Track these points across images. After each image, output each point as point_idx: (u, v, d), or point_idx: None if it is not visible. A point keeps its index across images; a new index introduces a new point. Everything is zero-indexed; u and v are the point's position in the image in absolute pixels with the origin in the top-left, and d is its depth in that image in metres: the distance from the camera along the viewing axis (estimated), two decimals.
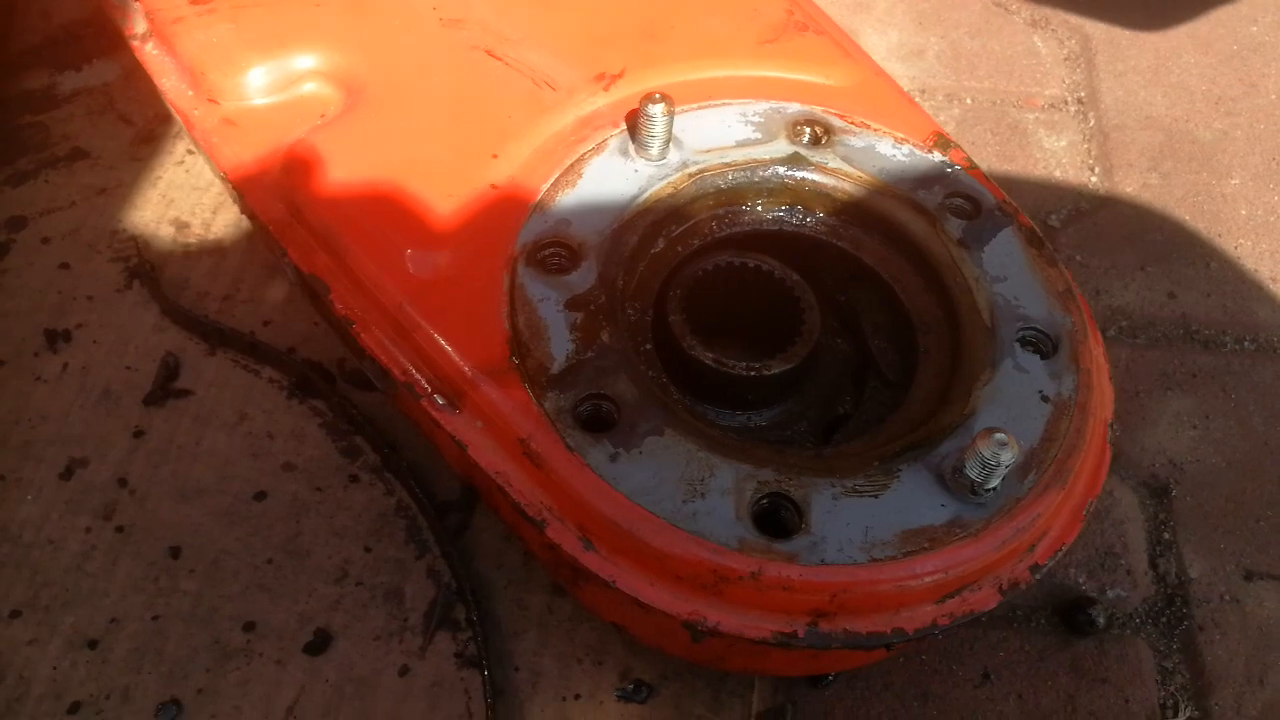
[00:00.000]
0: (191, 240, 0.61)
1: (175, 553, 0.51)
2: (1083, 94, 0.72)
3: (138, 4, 0.55)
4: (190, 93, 0.53)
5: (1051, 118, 0.71)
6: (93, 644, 0.48)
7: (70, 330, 0.57)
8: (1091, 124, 0.71)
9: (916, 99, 0.71)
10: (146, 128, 0.66)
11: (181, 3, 0.54)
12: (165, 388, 0.56)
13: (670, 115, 0.49)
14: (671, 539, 0.38)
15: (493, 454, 0.42)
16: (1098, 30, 0.76)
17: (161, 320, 0.58)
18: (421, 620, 0.50)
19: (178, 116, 0.53)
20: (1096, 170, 0.69)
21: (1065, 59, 0.74)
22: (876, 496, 0.40)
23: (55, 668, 0.47)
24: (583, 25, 0.55)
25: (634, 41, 0.55)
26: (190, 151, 0.65)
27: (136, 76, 0.68)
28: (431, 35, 0.54)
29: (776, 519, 0.39)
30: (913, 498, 0.40)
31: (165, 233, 0.61)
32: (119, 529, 0.51)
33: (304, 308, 0.58)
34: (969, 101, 0.72)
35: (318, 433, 0.55)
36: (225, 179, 0.51)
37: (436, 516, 0.52)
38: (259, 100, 0.52)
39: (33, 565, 0.50)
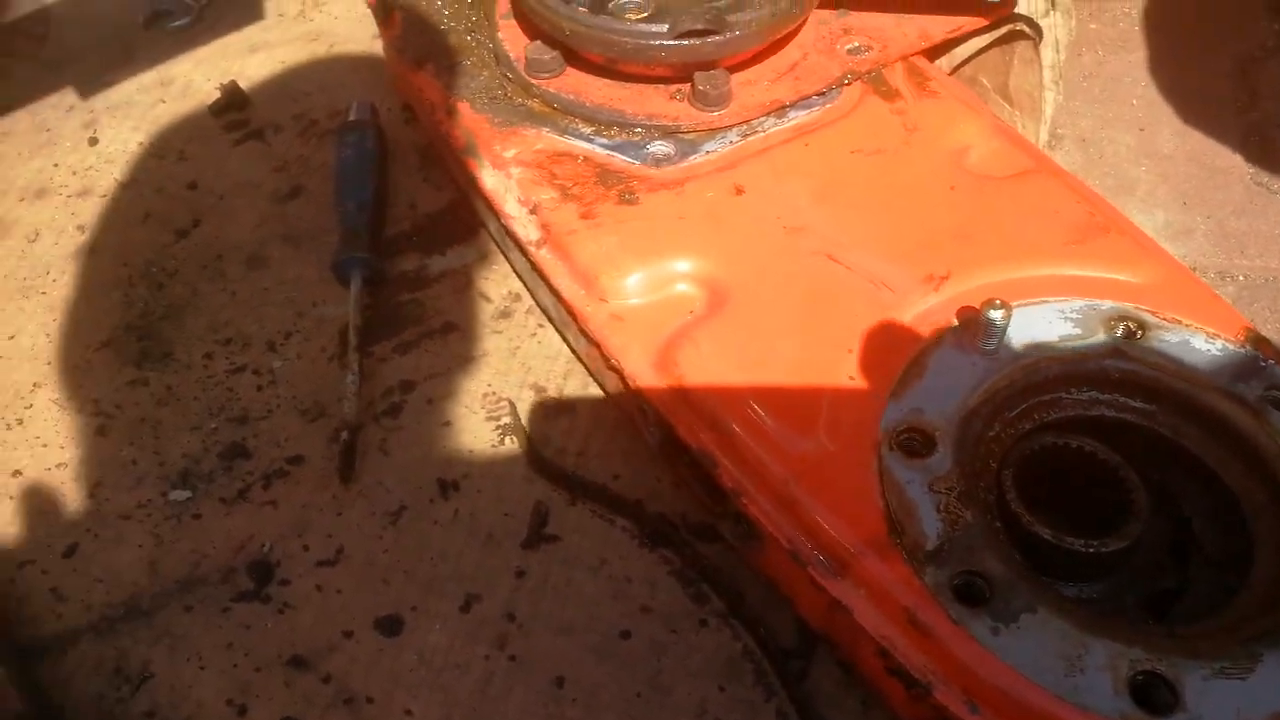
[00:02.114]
0: (548, 402, 0.71)
1: (559, 682, 0.59)
2: None
3: (534, 217, 0.67)
4: (583, 292, 0.63)
5: None
6: None
7: (458, 480, 0.68)
8: None
9: None
10: (502, 304, 0.77)
11: (574, 218, 0.65)
12: (538, 533, 0.65)
13: (1008, 319, 0.56)
14: (1060, 710, 0.44)
15: (877, 620, 0.48)
16: None
17: (529, 472, 0.68)
18: None
19: (568, 312, 0.64)
20: None
21: None
22: (1244, 679, 0.44)
23: None
24: (907, 232, 0.64)
25: (954, 245, 0.63)
26: (541, 325, 0.76)
27: (491, 259, 0.80)
28: (778, 242, 0.64)
29: (1151, 697, 0.44)
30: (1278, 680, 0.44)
31: (526, 395, 0.72)
32: (511, 658, 0.60)
33: (648, 464, 0.67)
34: (1241, 279, 0.76)
35: (668, 579, 0.63)
36: (610, 364, 0.61)
37: (781, 661, 0.59)
38: (639, 299, 0.62)
39: (444, 688, 0.59)
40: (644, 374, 0.59)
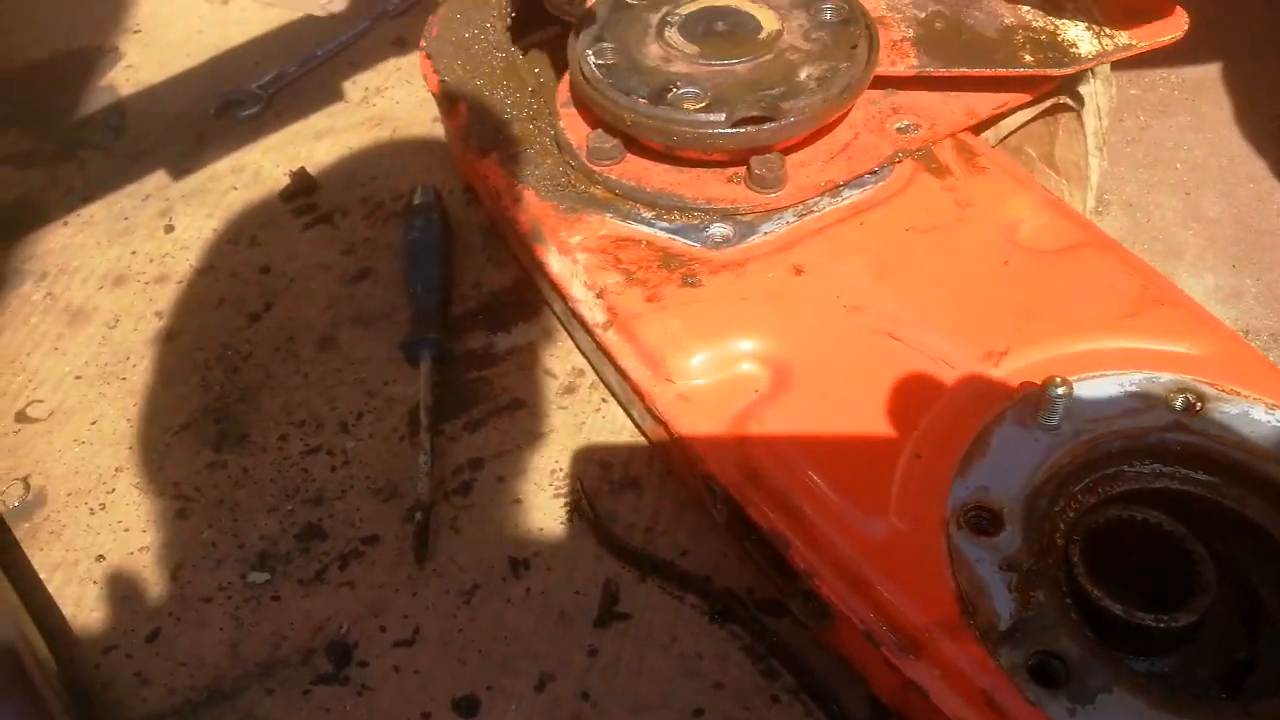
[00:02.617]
0: (614, 478, 0.73)
1: None
2: None
3: (600, 300, 0.69)
4: (649, 373, 0.65)
5: None
6: None
7: (529, 558, 0.69)
8: None
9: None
10: (567, 380, 0.80)
11: (639, 301, 0.68)
12: (609, 611, 0.66)
13: (1069, 395, 0.57)
14: None
15: (954, 702, 0.49)
16: None
17: (599, 550, 0.69)
18: None
19: (635, 392, 0.66)
20: None
21: None
22: None
23: None
24: (965, 308, 0.65)
25: (1012, 321, 0.64)
26: (605, 400, 0.78)
27: (555, 336, 0.83)
28: (839, 321, 0.65)
29: None
30: None
31: (592, 471, 0.74)
32: None
33: (714, 539, 0.69)
34: None
35: (738, 655, 0.64)
36: (677, 443, 0.63)
37: None
38: (704, 380, 0.64)
39: None
40: (712, 454, 0.61)
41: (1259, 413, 0.58)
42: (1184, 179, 0.89)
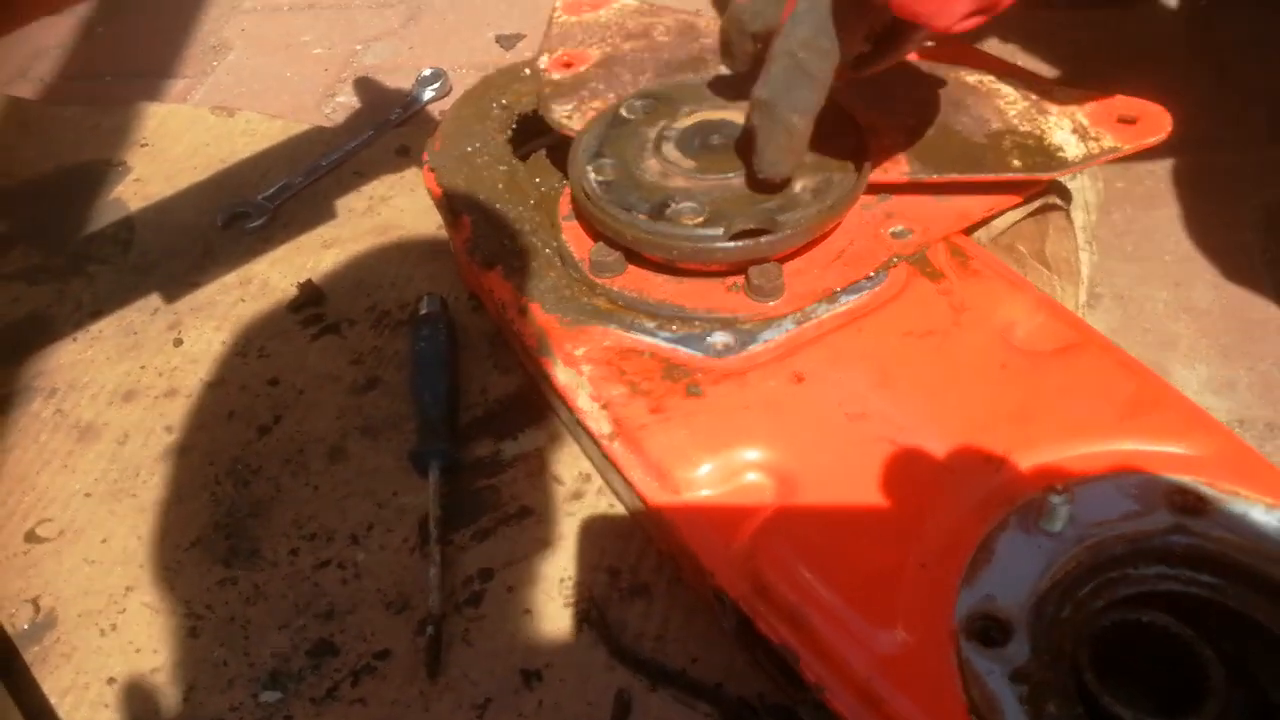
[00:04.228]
0: (623, 585, 0.74)
1: None
2: None
3: (605, 412, 0.70)
4: (656, 484, 0.66)
5: None
6: None
7: (540, 670, 0.69)
8: None
9: (1236, 430, 0.78)
10: (574, 486, 0.80)
11: (644, 413, 0.69)
12: None
13: (1070, 501, 0.58)
14: None
15: None
16: None
17: (609, 659, 0.70)
18: None
19: (643, 502, 0.67)
20: None
21: None
22: None
23: None
24: (964, 414, 0.66)
25: (1011, 426, 0.65)
26: (612, 505, 0.78)
27: (561, 441, 0.84)
28: (841, 429, 0.67)
29: None
30: None
31: (601, 579, 0.74)
32: None
33: (724, 646, 0.69)
34: None
35: None
36: (686, 554, 0.64)
37: None
38: (710, 491, 0.65)
39: None
40: (720, 567, 0.61)
41: (1259, 513, 0.59)
42: (1173, 270, 0.92)
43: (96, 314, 1.02)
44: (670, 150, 0.81)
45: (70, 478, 0.86)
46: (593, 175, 0.80)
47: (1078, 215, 0.86)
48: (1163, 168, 1.01)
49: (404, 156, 1.19)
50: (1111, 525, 0.59)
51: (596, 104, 0.91)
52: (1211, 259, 0.92)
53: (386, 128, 1.24)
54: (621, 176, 0.80)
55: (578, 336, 0.76)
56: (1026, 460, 0.63)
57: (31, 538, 0.82)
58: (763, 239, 0.74)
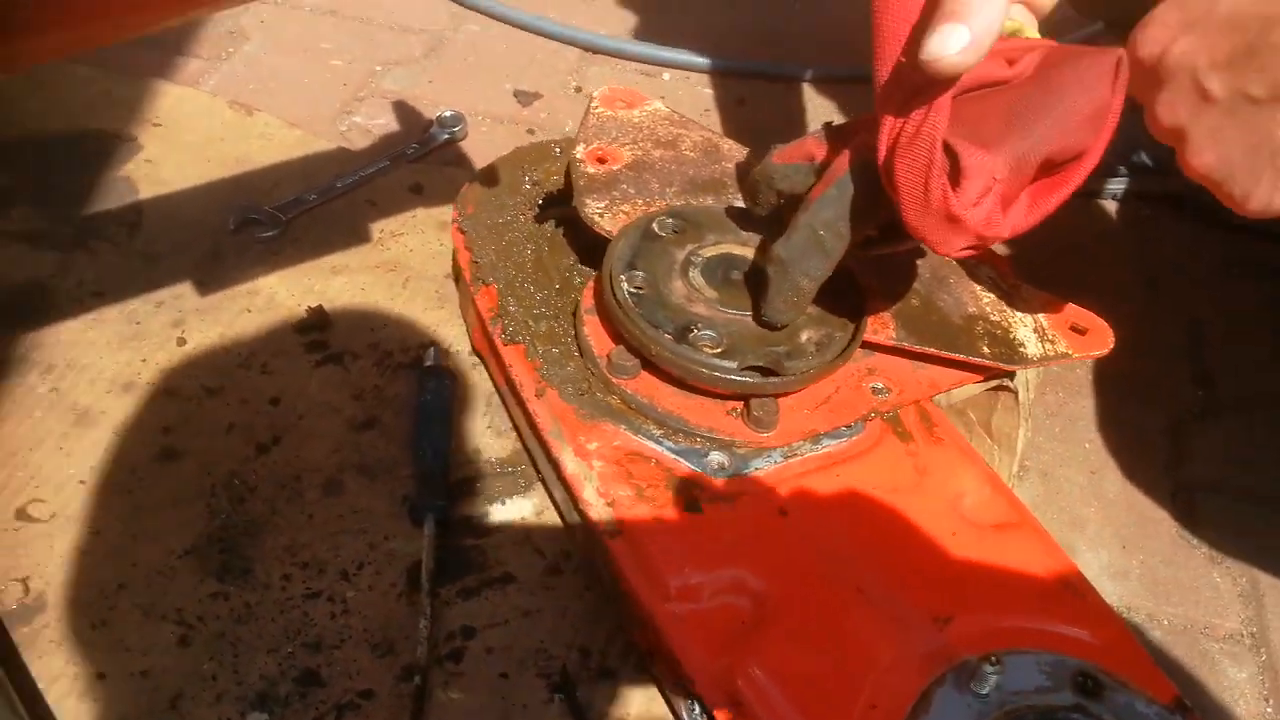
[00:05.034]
0: (593, 666, 0.81)
1: None
2: (1255, 629, 0.92)
3: (610, 509, 0.78)
4: (649, 586, 0.75)
5: (1232, 649, 0.90)
6: None
7: None
8: (1264, 659, 0.90)
9: (1124, 615, 0.91)
10: (554, 561, 0.88)
11: (647, 518, 0.77)
12: None
13: (1000, 672, 0.69)
14: None
15: None
16: (1264, 576, 0.96)
17: None
18: None
19: (633, 602, 0.75)
20: (1271, 703, 0.87)
21: (1239, 595, 0.94)
22: None
23: None
24: (918, 572, 0.77)
25: (956, 589, 0.76)
26: (588, 588, 0.86)
27: (546, 514, 0.91)
28: (814, 567, 0.76)
29: None
30: None
31: (574, 656, 0.82)
32: None
33: None
34: (1166, 623, 0.92)
35: None
36: (669, 656, 0.72)
37: None
38: (696, 605, 0.74)
39: None
40: (700, 674, 0.70)
41: (1141, 704, 0.71)
42: (1090, 458, 1.05)
43: (99, 295, 1.04)
44: (696, 277, 0.90)
45: (65, 461, 0.89)
46: (626, 285, 0.88)
47: (1020, 394, 0.99)
48: (1093, 362, 1.15)
49: (417, 194, 1.24)
50: (1027, 696, 0.70)
51: (626, 207, 0.99)
52: (1121, 455, 1.06)
53: (401, 160, 1.29)
54: (651, 292, 0.88)
55: (591, 431, 0.84)
56: (965, 624, 0.74)
57: (22, 515, 0.84)
58: (770, 379, 0.84)
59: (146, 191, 1.16)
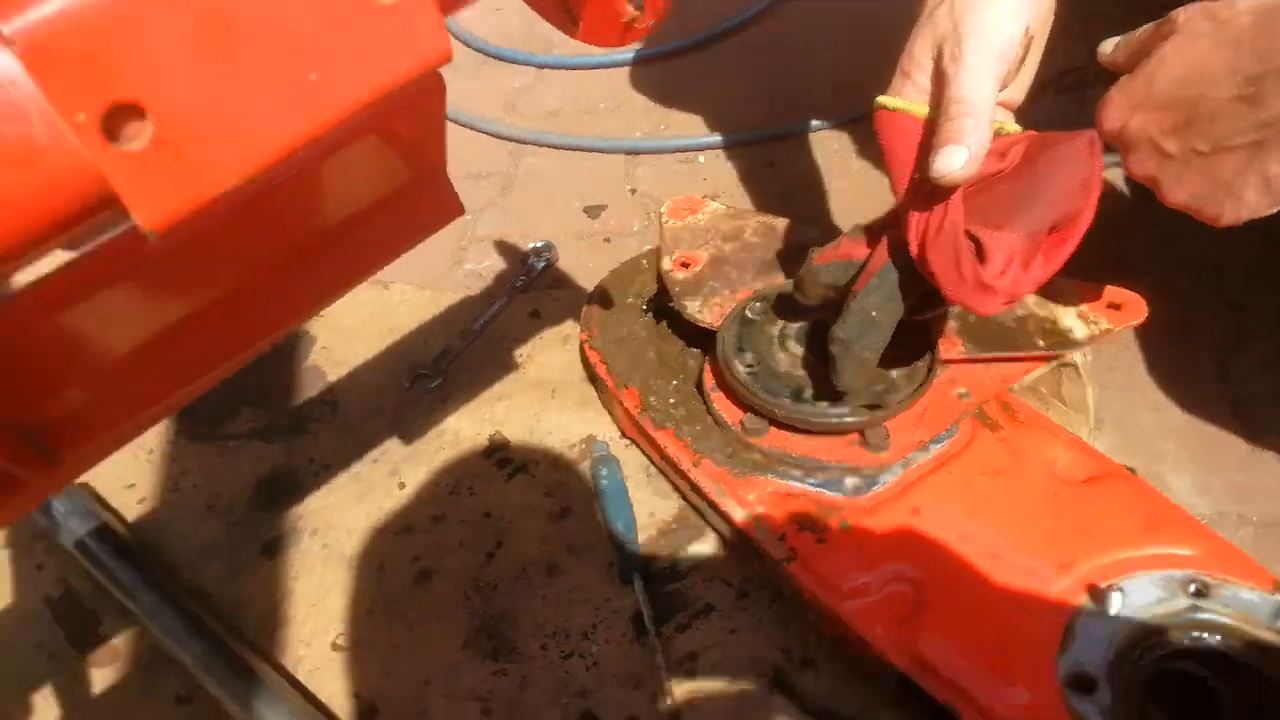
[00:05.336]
0: (795, 661, 1.02)
1: None
2: None
3: (781, 542, 1.00)
4: (829, 593, 0.96)
5: None
6: None
7: None
8: None
9: (1216, 523, 1.09)
10: (740, 587, 1.09)
11: (811, 541, 0.98)
12: None
13: (1120, 593, 0.88)
14: None
15: None
16: None
17: (800, 714, 0.98)
18: None
19: (816, 603, 0.96)
20: None
21: None
22: None
23: None
24: (1037, 533, 0.96)
25: (1070, 540, 0.95)
26: (773, 601, 1.07)
27: (721, 555, 1.13)
28: (955, 548, 0.96)
29: None
30: None
31: (778, 656, 1.03)
32: None
33: (885, 702, 0.97)
34: (1255, 519, 1.10)
35: None
36: (859, 640, 0.93)
37: None
38: (869, 597, 0.95)
39: None
40: (890, 649, 0.91)
41: (1245, 593, 0.90)
42: (1151, 398, 1.24)
43: (327, 466, 1.29)
44: (793, 345, 1.12)
45: (352, 599, 1.13)
46: (740, 368, 1.10)
47: (1080, 362, 1.18)
48: None
49: (537, 319, 1.48)
50: (1149, 607, 0.90)
51: (716, 300, 1.21)
52: (1176, 390, 1.24)
53: (515, 293, 1.54)
54: (762, 368, 1.11)
55: (747, 484, 1.06)
56: (1086, 565, 0.93)
57: (336, 646, 1.09)
58: (876, 413, 1.05)
59: (333, 374, 1.42)
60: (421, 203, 1.01)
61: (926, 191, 0.88)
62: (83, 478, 1.27)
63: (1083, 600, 0.91)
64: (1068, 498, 1.00)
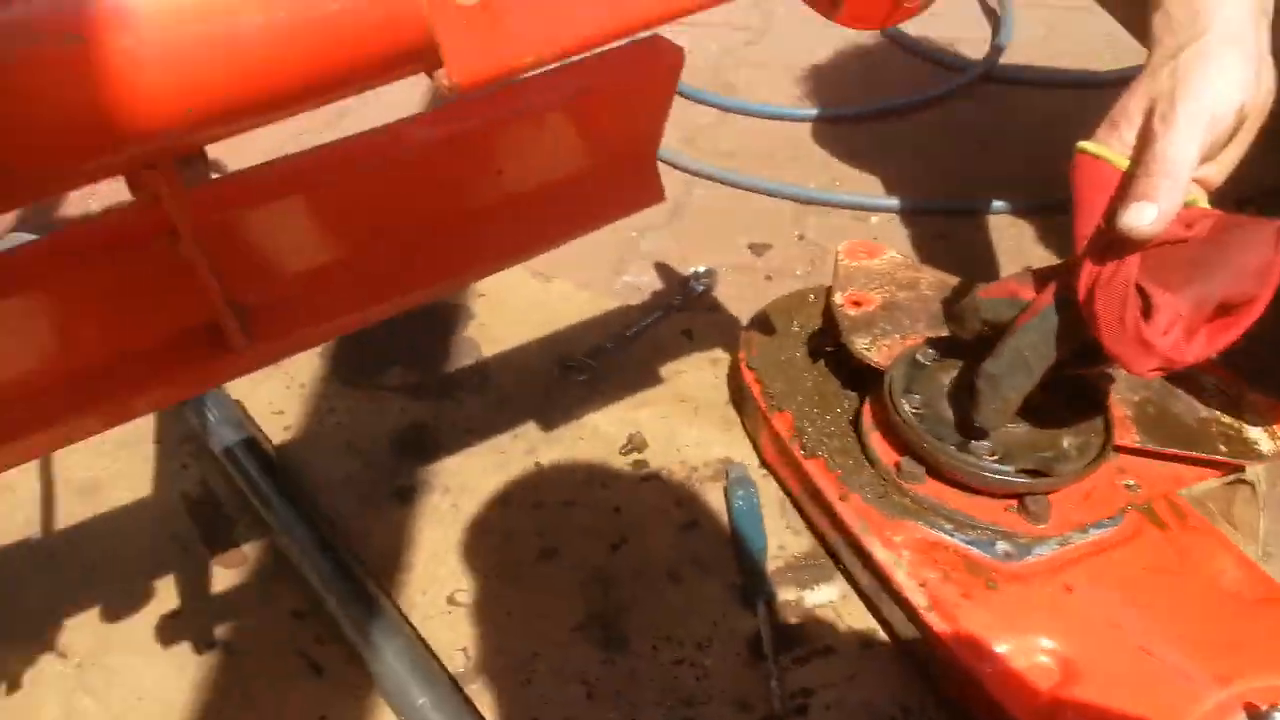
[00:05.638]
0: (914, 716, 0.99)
1: None
2: None
3: (923, 589, 0.97)
4: (968, 651, 0.92)
5: None
6: None
7: None
8: None
9: None
10: (865, 635, 1.06)
11: (955, 595, 0.96)
12: None
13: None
14: None
15: None
16: None
17: None
18: None
19: (961, 664, 0.93)
20: None
21: None
22: None
23: None
24: (1196, 637, 0.92)
25: (1233, 654, 0.90)
26: (897, 659, 1.04)
27: (849, 599, 1.10)
28: (1105, 633, 0.92)
29: None
30: None
31: (897, 713, 0.99)
32: None
33: None
34: None
35: None
36: (995, 704, 0.90)
37: None
38: (1008, 665, 0.91)
39: None
40: (1024, 718, 0.87)
41: None
42: None
43: (469, 431, 1.32)
44: (965, 397, 1.10)
45: (473, 560, 1.14)
46: (907, 408, 1.09)
47: (1257, 485, 1.13)
48: None
49: (689, 339, 1.49)
50: None
51: (886, 342, 1.20)
52: None
53: (670, 311, 1.55)
54: (929, 412, 1.09)
55: (896, 526, 1.03)
56: (1244, 683, 0.88)
57: (452, 601, 1.10)
58: (1041, 480, 1.02)
59: (487, 349, 1.45)
60: (627, 180, 1.04)
61: (1106, 243, 0.87)
62: (234, 396, 1.32)
63: (1239, 717, 0.85)
64: (1234, 613, 0.95)
